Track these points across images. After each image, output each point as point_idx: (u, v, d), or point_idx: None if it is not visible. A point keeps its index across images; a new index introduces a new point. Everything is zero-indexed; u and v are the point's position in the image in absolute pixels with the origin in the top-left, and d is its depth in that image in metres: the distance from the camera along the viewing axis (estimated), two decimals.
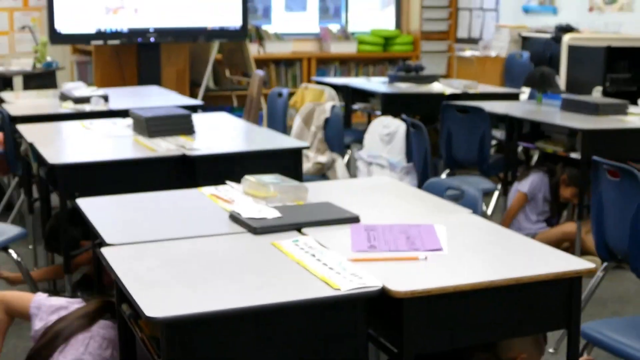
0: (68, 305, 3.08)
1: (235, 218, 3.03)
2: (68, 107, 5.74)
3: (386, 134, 6.36)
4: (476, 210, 3.59)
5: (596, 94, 6.62)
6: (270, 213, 3.02)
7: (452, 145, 6.18)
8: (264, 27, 10.82)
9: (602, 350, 3.27)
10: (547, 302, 2.60)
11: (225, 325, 2.26)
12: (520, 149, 6.41)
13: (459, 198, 3.65)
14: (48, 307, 3.06)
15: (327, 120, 6.40)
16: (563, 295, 2.59)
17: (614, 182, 3.65)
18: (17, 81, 8.39)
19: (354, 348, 2.42)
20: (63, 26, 8.54)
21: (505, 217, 5.83)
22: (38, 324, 3.02)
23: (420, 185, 4.30)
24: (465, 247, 2.82)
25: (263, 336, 2.31)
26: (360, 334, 2.41)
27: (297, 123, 6.67)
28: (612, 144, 5.47)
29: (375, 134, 6.45)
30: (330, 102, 6.69)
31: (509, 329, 2.65)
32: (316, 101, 7.07)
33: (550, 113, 6.07)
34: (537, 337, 3.01)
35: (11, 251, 4.47)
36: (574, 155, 5.45)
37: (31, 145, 4.56)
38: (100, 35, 8.66)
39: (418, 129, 5.66)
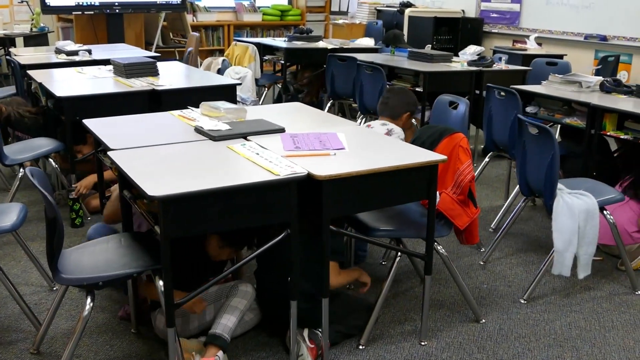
0: None
1: (199, 130, 2.98)
2: (62, 58, 5.51)
3: (237, 78, 6.29)
4: None
5: (428, 49, 6.66)
6: (223, 127, 2.99)
7: (334, 83, 6.18)
8: (196, 2, 10.46)
9: None
10: (414, 182, 2.65)
11: (201, 200, 2.25)
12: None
13: None
14: None
15: (219, 70, 6.32)
16: (425, 177, 2.65)
17: (535, 136, 3.37)
18: (19, 41, 8.01)
19: (288, 214, 2.45)
20: (51, 0, 8.16)
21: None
22: None
23: None
24: (360, 147, 2.83)
25: (227, 207, 2.31)
26: (292, 205, 2.43)
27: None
28: (442, 81, 5.55)
29: (229, 78, 6.29)
30: (221, 58, 6.57)
31: (392, 199, 2.70)
32: (243, 53, 6.99)
33: (401, 61, 6.09)
34: None
35: (51, 160, 4.39)
36: (418, 89, 5.51)
37: (40, 85, 4.37)
38: (79, 7, 8.33)
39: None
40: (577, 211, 3.22)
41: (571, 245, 3.22)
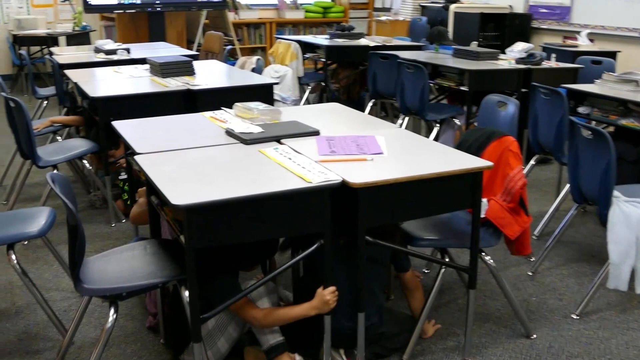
0: None
1: (230, 133, 2.85)
2: (101, 57, 5.49)
3: (277, 77, 6.13)
4: None
5: (473, 46, 6.44)
6: (255, 129, 2.85)
7: (376, 82, 5.99)
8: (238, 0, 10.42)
9: None
10: (458, 189, 2.47)
11: (228, 209, 2.12)
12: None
13: None
14: None
15: (253, 69, 6.13)
16: (469, 185, 2.47)
17: (589, 140, 3.16)
18: (62, 40, 8.05)
19: (322, 224, 2.30)
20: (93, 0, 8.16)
21: None
22: None
23: None
24: (400, 151, 2.66)
25: (256, 217, 2.17)
26: (326, 214, 2.28)
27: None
28: (488, 80, 5.33)
29: (269, 77, 6.14)
30: (256, 57, 6.41)
31: (432, 208, 2.53)
32: (285, 50, 6.84)
33: (445, 59, 5.87)
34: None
35: (85, 161, 4.36)
36: (463, 88, 5.30)
37: (76, 84, 4.32)
38: (121, 6, 8.30)
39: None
40: (635, 221, 2.98)
41: (628, 258, 2.98)
